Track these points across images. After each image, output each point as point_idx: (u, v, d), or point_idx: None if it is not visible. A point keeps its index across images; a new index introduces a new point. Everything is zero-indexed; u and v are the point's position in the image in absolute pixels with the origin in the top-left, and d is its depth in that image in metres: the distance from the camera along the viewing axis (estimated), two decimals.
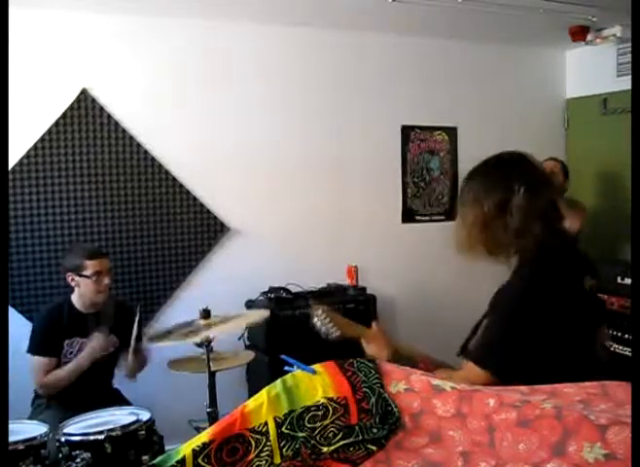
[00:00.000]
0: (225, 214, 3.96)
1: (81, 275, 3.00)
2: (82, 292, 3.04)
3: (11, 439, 2.13)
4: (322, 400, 1.67)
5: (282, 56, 4.09)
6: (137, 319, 3.06)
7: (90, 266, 2.99)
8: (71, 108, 3.54)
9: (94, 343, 2.97)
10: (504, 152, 1.96)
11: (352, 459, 1.55)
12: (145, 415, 2.51)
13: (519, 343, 1.76)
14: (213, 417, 2.63)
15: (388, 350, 2.03)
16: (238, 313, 2.95)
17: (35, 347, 2.99)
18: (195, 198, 3.86)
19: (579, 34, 4.10)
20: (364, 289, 4.10)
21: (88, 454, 2.28)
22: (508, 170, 1.89)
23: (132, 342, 3.02)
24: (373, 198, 4.40)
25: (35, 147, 3.47)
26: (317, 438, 1.58)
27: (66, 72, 3.54)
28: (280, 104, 4.10)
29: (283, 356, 1.87)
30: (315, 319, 2.07)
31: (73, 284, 3.04)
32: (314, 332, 2.10)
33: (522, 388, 1.62)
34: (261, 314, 2.86)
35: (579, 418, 1.39)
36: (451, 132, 4.66)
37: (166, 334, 2.68)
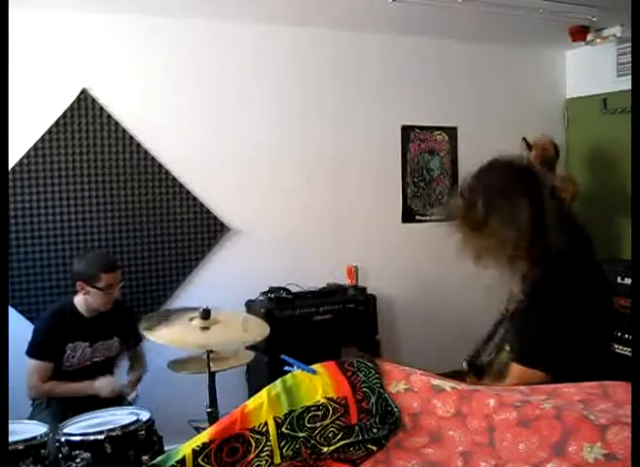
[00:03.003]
0: (225, 214, 3.96)
1: (93, 286, 2.97)
2: (89, 301, 3.02)
3: (11, 439, 2.13)
4: (322, 400, 1.68)
5: (282, 56, 4.08)
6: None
7: (105, 279, 2.96)
8: (71, 108, 3.54)
9: (101, 388, 2.95)
10: (498, 163, 1.96)
11: (352, 459, 1.55)
12: (145, 415, 2.51)
13: (564, 338, 1.79)
14: (213, 417, 2.63)
15: None
16: (237, 320, 2.93)
17: (34, 351, 2.97)
18: (195, 198, 3.86)
19: (579, 34, 4.09)
20: (364, 289, 4.09)
21: (89, 454, 2.28)
22: (508, 184, 1.89)
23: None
24: (372, 198, 4.40)
25: (35, 147, 3.47)
26: (317, 438, 1.58)
27: (66, 72, 3.54)
28: (280, 104, 4.10)
29: (283, 356, 1.87)
30: None
31: (82, 292, 3.01)
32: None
33: (522, 388, 1.62)
34: (261, 332, 2.79)
35: (579, 418, 1.39)
36: (451, 132, 4.65)
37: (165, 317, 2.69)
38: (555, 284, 1.84)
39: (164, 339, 2.58)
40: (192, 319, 2.66)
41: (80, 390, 2.94)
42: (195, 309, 2.71)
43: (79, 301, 3.06)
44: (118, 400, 2.97)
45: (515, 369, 1.84)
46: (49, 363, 2.96)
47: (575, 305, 1.80)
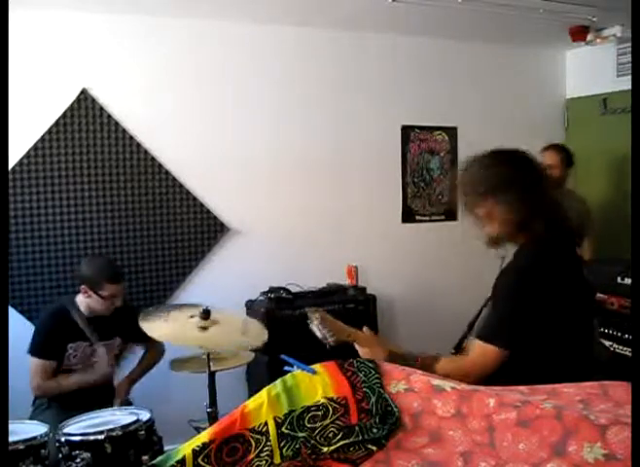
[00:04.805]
0: (225, 214, 3.96)
1: (96, 293, 2.98)
2: (91, 304, 3.03)
3: (11, 439, 2.13)
4: (322, 400, 1.68)
5: (282, 56, 4.08)
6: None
7: (108, 289, 2.98)
8: (71, 108, 3.54)
9: (97, 375, 2.98)
10: (499, 149, 2.04)
11: (352, 459, 1.55)
12: (145, 415, 2.51)
13: (525, 320, 1.85)
14: (213, 417, 2.63)
15: (383, 352, 2.03)
16: (236, 323, 2.91)
17: (37, 349, 2.97)
18: (195, 198, 3.86)
19: (579, 34, 4.09)
20: (364, 289, 4.09)
21: (88, 454, 2.28)
22: (503, 167, 1.97)
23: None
24: (372, 198, 4.40)
25: (35, 147, 3.47)
26: (317, 438, 1.58)
27: (66, 72, 3.54)
28: (280, 104, 4.09)
29: (283, 356, 1.87)
30: (312, 325, 2.07)
31: (85, 295, 3.02)
32: (312, 335, 2.09)
33: (522, 388, 1.62)
34: (260, 336, 2.78)
35: (579, 418, 1.39)
36: (451, 132, 4.65)
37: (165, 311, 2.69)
38: (528, 270, 1.90)
39: (160, 332, 2.58)
40: (192, 317, 2.66)
41: (81, 381, 2.96)
42: (196, 306, 2.70)
43: (81, 301, 3.06)
44: (108, 395, 2.97)
45: (475, 344, 1.91)
46: (51, 361, 2.96)
47: (544, 293, 1.85)
